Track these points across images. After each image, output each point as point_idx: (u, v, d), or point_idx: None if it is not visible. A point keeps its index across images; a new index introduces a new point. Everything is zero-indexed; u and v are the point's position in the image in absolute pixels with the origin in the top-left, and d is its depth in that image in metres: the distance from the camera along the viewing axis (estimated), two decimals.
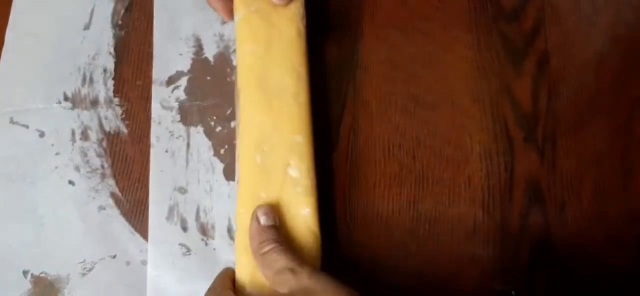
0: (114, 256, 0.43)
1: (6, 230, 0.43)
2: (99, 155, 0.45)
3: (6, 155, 0.45)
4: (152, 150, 0.45)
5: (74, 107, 0.47)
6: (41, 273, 0.42)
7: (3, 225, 0.44)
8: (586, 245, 0.43)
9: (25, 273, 0.42)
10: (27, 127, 0.46)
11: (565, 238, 0.43)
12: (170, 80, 0.47)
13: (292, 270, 0.36)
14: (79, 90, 0.47)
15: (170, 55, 0.48)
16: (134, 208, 0.44)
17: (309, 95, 0.42)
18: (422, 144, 0.45)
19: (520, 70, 0.48)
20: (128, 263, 0.42)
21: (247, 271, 0.38)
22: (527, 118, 0.46)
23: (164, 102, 0.47)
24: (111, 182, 0.45)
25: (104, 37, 0.49)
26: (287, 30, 0.43)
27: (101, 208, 0.44)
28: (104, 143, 0.46)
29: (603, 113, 0.46)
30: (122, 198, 0.44)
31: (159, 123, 0.46)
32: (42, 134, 0.46)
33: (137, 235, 0.43)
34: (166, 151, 0.45)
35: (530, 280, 0.42)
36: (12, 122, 0.46)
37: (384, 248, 0.43)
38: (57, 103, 0.47)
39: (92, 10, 0.50)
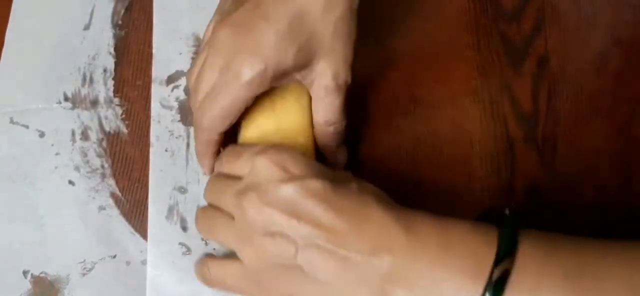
0: (114, 257, 0.43)
1: (6, 230, 0.43)
2: (99, 155, 0.45)
3: (6, 155, 0.45)
4: (151, 149, 0.45)
5: (74, 107, 0.47)
6: (41, 273, 0.42)
7: (3, 225, 0.44)
8: None
9: (25, 273, 0.42)
10: (27, 127, 0.46)
11: None
12: (170, 79, 0.47)
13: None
14: (79, 90, 0.47)
15: (170, 54, 0.48)
16: (134, 208, 0.44)
17: (310, 97, 0.42)
18: (422, 144, 0.45)
19: (520, 70, 0.48)
20: (128, 263, 0.42)
21: None
22: (527, 118, 0.46)
23: (164, 101, 0.47)
24: (111, 182, 0.45)
25: (104, 37, 0.49)
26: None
27: (101, 208, 0.44)
28: (104, 143, 0.46)
29: (603, 113, 0.46)
30: (122, 198, 0.44)
31: (159, 122, 0.46)
32: (42, 134, 0.46)
33: (137, 235, 0.43)
34: (166, 150, 0.45)
35: None
36: (12, 122, 0.46)
37: None
38: (57, 103, 0.47)
39: (92, 10, 0.50)
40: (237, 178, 0.37)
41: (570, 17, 0.49)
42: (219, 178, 0.40)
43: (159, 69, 0.48)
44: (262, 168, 0.36)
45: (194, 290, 0.41)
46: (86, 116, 0.47)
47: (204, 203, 0.44)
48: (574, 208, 0.44)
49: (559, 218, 0.43)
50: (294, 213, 0.34)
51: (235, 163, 0.38)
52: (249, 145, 0.39)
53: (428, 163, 0.45)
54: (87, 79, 0.48)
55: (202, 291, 0.40)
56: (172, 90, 0.47)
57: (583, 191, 0.44)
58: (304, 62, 0.38)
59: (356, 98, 0.46)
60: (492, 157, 0.45)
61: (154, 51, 0.48)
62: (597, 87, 0.47)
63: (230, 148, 0.40)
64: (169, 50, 0.48)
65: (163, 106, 0.47)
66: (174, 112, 0.46)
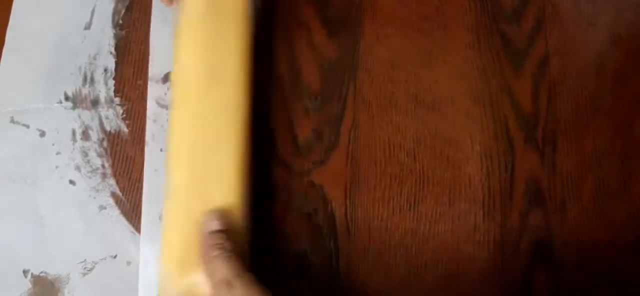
0: (115, 256, 0.43)
1: (6, 229, 0.43)
2: (99, 155, 0.45)
3: (7, 155, 0.45)
4: (146, 148, 0.45)
5: (74, 106, 0.47)
6: (41, 272, 0.42)
7: (3, 224, 0.44)
8: (586, 245, 0.43)
9: (25, 272, 0.42)
10: (27, 126, 0.46)
11: (565, 239, 0.43)
12: (166, 78, 0.47)
13: (228, 283, 0.35)
14: (80, 89, 0.47)
15: (166, 54, 0.48)
16: (135, 208, 0.44)
17: (248, 110, 0.41)
18: (423, 144, 0.45)
19: (521, 70, 0.48)
20: (128, 263, 0.42)
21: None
22: (527, 119, 0.46)
23: (160, 99, 0.46)
24: (112, 181, 0.45)
25: (104, 37, 0.49)
26: (231, 54, 0.42)
27: (102, 208, 0.44)
28: (105, 143, 0.46)
29: (603, 113, 0.46)
30: (123, 198, 0.44)
31: (155, 121, 0.46)
32: (42, 134, 0.46)
33: (138, 235, 0.43)
34: (161, 150, 0.45)
35: (530, 280, 0.42)
36: (12, 121, 0.46)
37: (385, 249, 0.43)
38: (57, 103, 0.47)
39: (93, 10, 0.50)
40: None
41: (571, 17, 0.49)
42: None
43: (156, 67, 0.47)
44: None
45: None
46: (87, 116, 0.47)
47: None
48: (574, 208, 0.44)
49: (560, 218, 0.43)
50: None
51: None
52: None
53: (429, 162, 0.45)
54: (88, 79, 0.48)
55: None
56: (169, 89, 0.47)
57: (583, 191, 0.44)
58: None
59: (358, 95, 0.47)
60: (492, 157, 0.45)
61: (150, 49, 0.48)
62: (597, 87, 0.47)
63: None
64: (165, 49, 0.48)
65: (159, 105, 0.46)
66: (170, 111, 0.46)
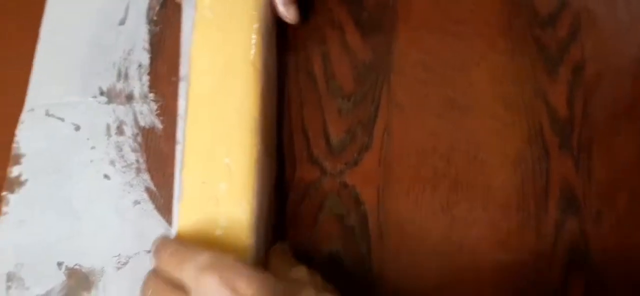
0: (149, 251, 0.43)
1: (41, 222, 0.44)
2: (134, 150, 0.46)
3: (42, 147, 0.46)
4: (177, 147, 0.45)
5: (109, 101, 0.47)
6: (76, 265, 0.43)
7: (38, 217, 0.44)
8: (623, 255, 0.42)
9: (59, 264, 0.43)
10: (62, 120, 0.47)
11: (601, 248, 0.42)
12: None
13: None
14: (115, 85, 0.48)
15: None
16: (169, 203, 0.44)
17: (260, 111, 0.41)
18: (456, 148, 0.45)
19: (556, 76, 0.47)
20: None
21: None
22: (562, 125, 0.46)
23: None
24: (146, 176, 0.45)
25: (139, 33, 0.49)
26: (243, 65, 0.41)
27: (136, 202, 0.44)
28: (139, 138, 0.46)
29: (639, 120, 0.46)
30: (157, 193, 0.44)
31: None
32: (77, 128, 0.46)
33: (172, 231, 0.43)
34: None
35: (564, 289, 0.42)
36: (47, 114, 0.47)
37: (418, 252, 0.43)
38: (92, 97, 0.47)
39: (128, 6, 0.50)
40: (179, 287, 0.35)
41: (606, 24, 0.49)
42: (157, 281, 0.36)
43: (186, 66, 0.47)
44: (210, 289, 0.33)
45: None
46: (121, 111, 0.47)
47: None
48: (610, 217, 0.43)
49: (595, 226, 0.43)
50: None
51: (178, 269, 0.35)
52: (194, 249, 0.36)
53: (463, 166, 0.45)
54: (123, 74, 0.48)
55: None
56: None
57: (618, 198, 0.44)
58: None
59: (391, 97, 0.47)
60: (526, 163, 0.45)
61: (181, 48, 0.48)
62: (633, 94, 0.47)
63: (172, 245, 0.37)
64: None
65: None
66: None
